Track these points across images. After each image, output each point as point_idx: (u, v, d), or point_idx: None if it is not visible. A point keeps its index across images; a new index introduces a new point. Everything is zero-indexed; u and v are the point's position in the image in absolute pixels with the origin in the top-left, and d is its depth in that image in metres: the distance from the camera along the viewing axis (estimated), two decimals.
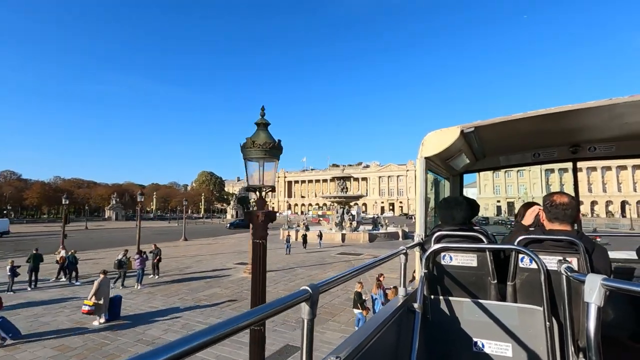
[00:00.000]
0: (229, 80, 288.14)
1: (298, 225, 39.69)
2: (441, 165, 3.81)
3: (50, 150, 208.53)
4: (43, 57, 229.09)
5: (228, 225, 60.01)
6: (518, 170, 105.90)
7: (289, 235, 24.02)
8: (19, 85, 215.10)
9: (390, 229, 39.51)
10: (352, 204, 40.30)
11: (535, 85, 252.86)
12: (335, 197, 39.51)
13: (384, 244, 30.70)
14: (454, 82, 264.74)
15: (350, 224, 35.15)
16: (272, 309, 1.01)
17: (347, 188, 40.50)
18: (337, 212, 40.02)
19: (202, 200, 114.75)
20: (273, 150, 4.29)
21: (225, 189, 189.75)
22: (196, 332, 0.75)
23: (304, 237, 27.27)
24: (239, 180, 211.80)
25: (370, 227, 42.93)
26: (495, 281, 2.33)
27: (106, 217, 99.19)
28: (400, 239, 35.42)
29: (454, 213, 2.67)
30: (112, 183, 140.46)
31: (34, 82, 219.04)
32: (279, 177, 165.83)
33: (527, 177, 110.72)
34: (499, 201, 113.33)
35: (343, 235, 32.95)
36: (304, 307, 1.15)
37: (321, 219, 39.63)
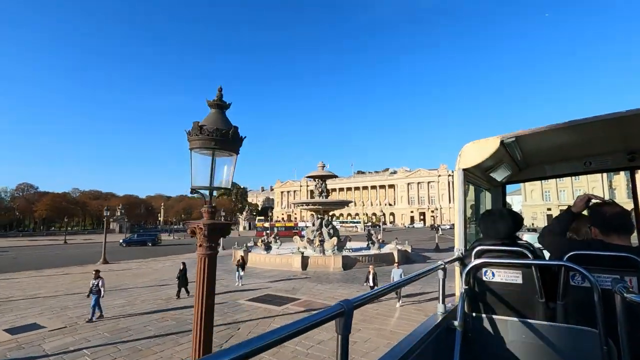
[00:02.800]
0: (252, 90, 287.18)
1: (267, 242, 29.03)
2: (481, 177, 3.64)
3: (88, 165, 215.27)
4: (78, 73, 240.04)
5: (121, 241, 47.71)
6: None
7: (96, 282, 11.50)
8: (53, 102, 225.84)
9: (388, 247, 27.90)
10: (336, 213, 29.31)
11: (572, 88, 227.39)
12: (310, 204, 28.67)
13: (360, 275, 19.47)
14: (488, 84, 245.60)
15: (320, 243, 24.02)
16: (306, 324, 1.02)
17: (327, 191, 29.49)
18: (312, 225, 29.19)
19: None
20: (228, 141, 3.26)
21: (249, 199, 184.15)
22: (232, 346, 0.75)
23: (182, 274, 14.45)
24: (263, 190, 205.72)
25: (365, 245, 31.74)
26: (544, 299, 2.15)
27: (110, 229, 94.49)
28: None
29: (498, 227, 2.48)
30: (146, 195, 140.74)
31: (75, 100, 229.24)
32: (300, 185, 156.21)
33: (584, 181, 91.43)
34: (549, 209, 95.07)
35: (304, 260, 22.00)
36: (339, 323, 1.16)
37: (266, 232, 29.21)
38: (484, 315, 2.24)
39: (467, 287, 2.30)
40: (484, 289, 2.32)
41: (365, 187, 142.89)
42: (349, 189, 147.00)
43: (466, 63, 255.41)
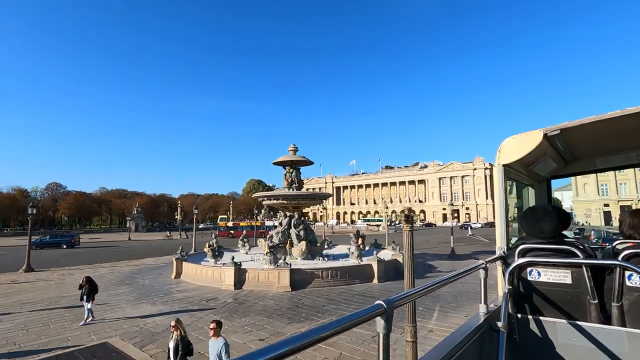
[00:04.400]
0: (283, 91, 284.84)
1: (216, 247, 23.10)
2: (523, 172, 3.39)
3: (125, 165, 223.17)
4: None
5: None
6: None
7: None
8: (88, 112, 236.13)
9: (380, 255, 20.69)
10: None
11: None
12: (272, 198, 22.21)
13: (307, 303, 12.88)
14: (526, 73, 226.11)
15: (270, 250, 17.51)
16: (347, 322, 1.02)
17: (298, 182, 22.89)
18: (280, 225, 22.76)
19: (231, 208, 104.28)
20: None
21: None
22: (275, 343, 0.77)
23: None
24: None
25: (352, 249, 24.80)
26: (596, 301, 2.02)
27: (127, 227, 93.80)
28: (376, 281, 16.81)
29: (542, 224, 2.28)
30: (180, 194, 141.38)
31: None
32: (326, 182, 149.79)
33: None
34: (607, 205, 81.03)
35: (240, 274, 15.68)
36: (379, 322, 1.15)
37: (232, 232, 23.41)
38: (529, 317, 2.15)
39: (510, 287, 2.17)
40: (529, 288, 2.21)
41: (393, 183, 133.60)
42: (376, 185, 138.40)
43: (505, 51, 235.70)
